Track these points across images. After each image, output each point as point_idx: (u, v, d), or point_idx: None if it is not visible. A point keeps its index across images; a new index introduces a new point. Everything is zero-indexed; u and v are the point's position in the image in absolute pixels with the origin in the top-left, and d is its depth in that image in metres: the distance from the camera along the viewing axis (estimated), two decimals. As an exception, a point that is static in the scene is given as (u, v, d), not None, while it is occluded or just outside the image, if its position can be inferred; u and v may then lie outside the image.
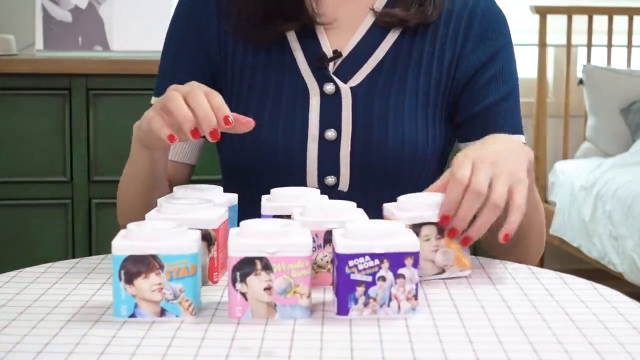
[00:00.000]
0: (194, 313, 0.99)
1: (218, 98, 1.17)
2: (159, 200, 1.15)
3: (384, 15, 1.41)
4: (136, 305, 0.99)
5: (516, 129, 1.44)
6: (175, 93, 1.18)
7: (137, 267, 0.98)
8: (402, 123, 1.39)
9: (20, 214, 2.61)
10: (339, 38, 1.43)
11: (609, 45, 3.88)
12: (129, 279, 0.98)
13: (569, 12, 3.83)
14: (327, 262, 1.10)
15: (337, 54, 1.41)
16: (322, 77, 1.40)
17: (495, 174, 1.13)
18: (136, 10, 2.82)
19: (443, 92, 1.43)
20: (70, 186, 2.60)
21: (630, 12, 3.88)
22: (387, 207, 1.14)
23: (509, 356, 0.89)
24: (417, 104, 1.41)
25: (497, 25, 1.44)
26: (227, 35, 1.43)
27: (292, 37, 1.42)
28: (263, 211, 1.16)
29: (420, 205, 1.12)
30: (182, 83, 1.24)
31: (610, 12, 3.87)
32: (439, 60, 1.42)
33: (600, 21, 3.88)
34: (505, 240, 1.13)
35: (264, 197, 1.18)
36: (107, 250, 1.04)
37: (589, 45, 3.87)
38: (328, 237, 1.09)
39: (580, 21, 3.86)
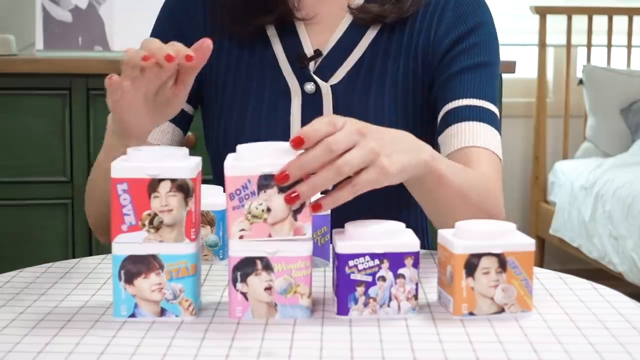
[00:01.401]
0: (194, 313, 0.99)
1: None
2: (128, 149, 1.00)
3: (360, 11, 1.42)
4: (136, 305, 0.99)
5: (483, 96, 1.36)
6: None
7: (137, 267, 0.98)
8: (382, 119, 1.39)
9: (20, 214, 2.61)
10: (318, 36, 1.43)
11: (609, 45, 3.88)
12: (129, 279, 0.98)
13: (569, 12, 3.83)
14: (263, 210, 0.97)
15: (317, 53, 1.41)
16: (302, 77, 1.41)
17: (360, 140, 0.99)
18: (136, 10, 2.82)
19: (421, 81, 1.42)
20: (71, 186, 2.60)
21: (630, 12, 3.88)
22: (443, 233, 1.03)
23: (509, 356, 0.89)
24: (396, 96, 1.41)
25: (471, 9, 1.43)
26: (215, 33, 1.44)
27: (273, 35, 1.43)
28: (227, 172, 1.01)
29: (480, 233, 1.00)
30: None
31: (610, 12, 3.87)
32: (415, 50, 1.42)
33: (600, 21, 3.88)
34: (314, 210, 0.98)
35: (229, 156, 1.02)
36: (107, 250, 1.04)
37: (589, 45, 3.87)
38: (262, 183, 0.97)
39: (580, 21, 3.86)
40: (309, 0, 1.45)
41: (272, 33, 1.43)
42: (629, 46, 3.92)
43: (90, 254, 2.59)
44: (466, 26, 1.42)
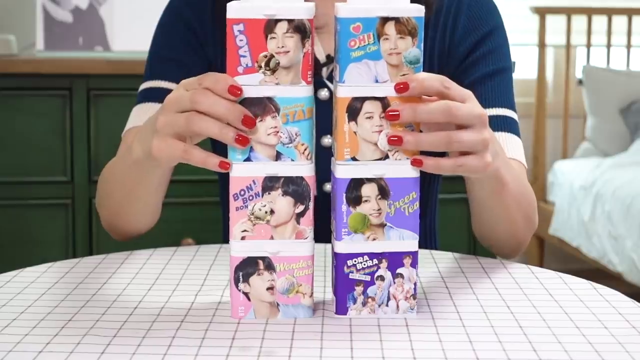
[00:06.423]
0: (309, 157, 0.97)
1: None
2: None
3: None
4: (252, 149, 0.96)
5: (506, 104, 1.38)
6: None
7: (252, 110, 0.94)
8: None
9: (21, 214, 2.61)
10: (331, 43, 1.42)
11: (609, 45, 3.88)
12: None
13: (569, 12, 3.84)
14: (266, 212, 0.98)
15: (330, 59, 1.41)
16: (315, 83, 1.40)
17: (477, 125, 0.99)
18: (136, 10, 2.82)
19: None
20: (71, 186, 2.60)
21: (629, 12, 3.88)
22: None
23: (508, 356, 0.89)
24: None
25: (484, 13, 1.42)
26: (224, 37, 1.43)
27: None
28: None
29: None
30: (176, 62, 1.33)
31: (610, 12, 3.87)
32: (430, 56, 1.41)
33: (599, 21, 3.88)
34: (414, 164, 0.97)
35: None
36: (107, 250, 1.04)
37: (589, 45, 3.87)
38: (267, 184, 0.98)
39: (579, 21, 3.87)
40: (319, 9, 1.43)
41: None
42: (629, 46, 3.92)
43: (91, 254, 2.59)
44: (482, 31, 1.41)
